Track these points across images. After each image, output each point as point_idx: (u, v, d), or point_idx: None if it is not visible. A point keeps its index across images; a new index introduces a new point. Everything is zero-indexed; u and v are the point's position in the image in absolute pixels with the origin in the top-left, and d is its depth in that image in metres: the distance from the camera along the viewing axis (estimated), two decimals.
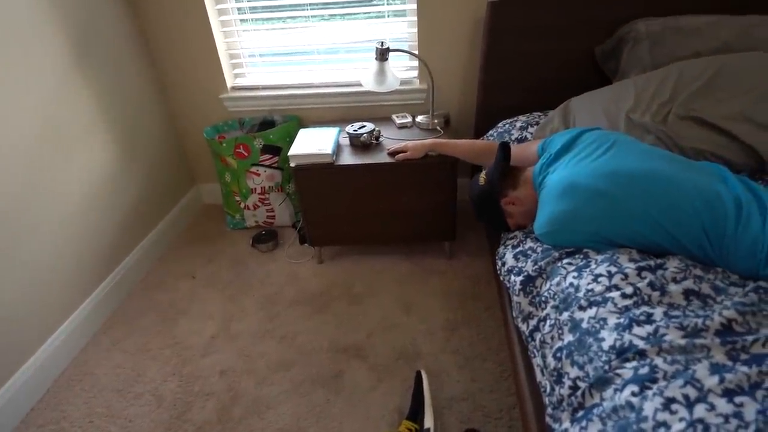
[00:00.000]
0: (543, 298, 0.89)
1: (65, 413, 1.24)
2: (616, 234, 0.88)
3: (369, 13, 1.78)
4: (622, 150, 0.95)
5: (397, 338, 1.39)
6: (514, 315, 0.99)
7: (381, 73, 1.56)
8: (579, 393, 0.69)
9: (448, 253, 1.72)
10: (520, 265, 0.99)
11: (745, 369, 0.57)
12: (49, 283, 1.35)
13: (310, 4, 1.75)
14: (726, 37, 1.27)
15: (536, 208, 1.02)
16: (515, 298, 0.97)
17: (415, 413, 1.11)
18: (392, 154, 1.51)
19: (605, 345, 0.69)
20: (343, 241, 1.72)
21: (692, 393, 0.56)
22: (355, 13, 1.79)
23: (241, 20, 1.83)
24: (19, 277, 1.25)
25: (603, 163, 0.93)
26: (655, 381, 0.60)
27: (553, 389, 0.76)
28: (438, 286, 1.59)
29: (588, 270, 0.84)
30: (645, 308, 0.71)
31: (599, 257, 0.86)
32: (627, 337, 0.67)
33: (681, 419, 0.54)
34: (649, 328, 0.67)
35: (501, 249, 1.11)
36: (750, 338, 0.61)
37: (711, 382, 0.57)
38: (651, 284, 0.75)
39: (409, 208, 1.58)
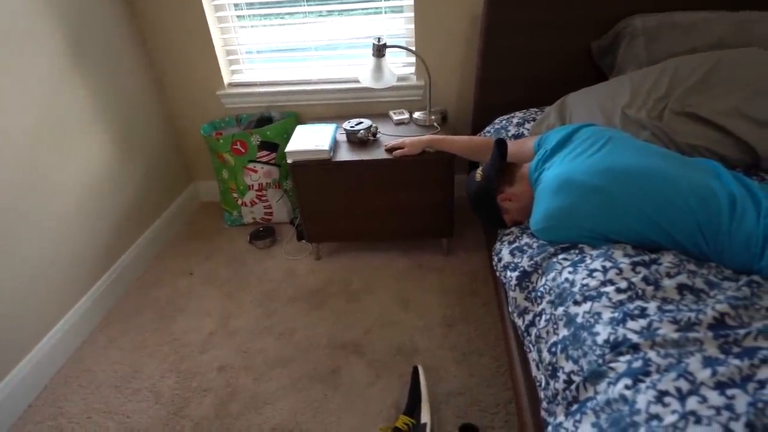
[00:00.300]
0: (539, 294, 0.89)
1: (63, 409, 1.24)
2: (612, 230, 0.88)
3: (366, 9, 1.77)
4: (617, 146, 0.95)
5: (395, 334, 1.40)
6: (510, 310, 0.99)
7: (378, 70, 1.55)
8: (573, 387, 0.69)
9: (445, 249, 1.73)
10: (516, 260, 1.00)
11: (737, 362, 0.57)
12: (46, 280, 1.35)
13: (307, 1, 1.74)
14: (721, 33, 1.28)
15: (532, 204, 1.02)
16: (511, 294, 0.97)
17: (412, 408, 1.12)
18: (389, 150, 1.51)
19: (599, 339, 0.69)
20: (341, 237, 1.72)
21: (685, 386, 0.57)
22: (352, 10, 1.78)
23: (238, 16, 1.82)
24: (16, 274, 1.25)
25: (598, 160, 0.93)
26: (648, 374, 0.60)
27: (548, 383, 0.77)
28: (435, 283, 1.60)
29: (583, 265, 0.84)
30: (639, 302, 0.72)
31: (594, 252, 0.86)
32: (621, 331, 0.68)
33: (673, 411, 0.55)
34: (642, 322, 0.68)
35: (497, 245, 1.11)
36: (742, 332, 0.62)
37: (703, 375, 0.57)
38: (645, 279, 0.75)
39: (407, 204, 1.58)
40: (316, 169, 1.52)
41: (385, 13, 1.78)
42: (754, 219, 0.77)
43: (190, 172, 2.17)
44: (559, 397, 0.72)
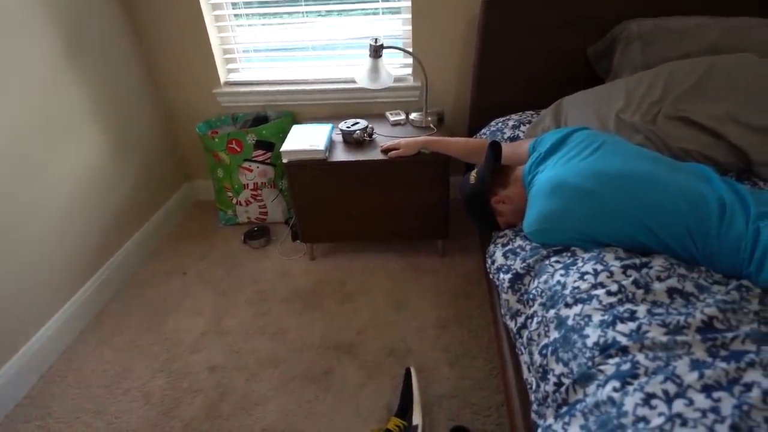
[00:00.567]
0: (531, 296, 0.89)
1: (51, 409, 1.23)
2: (603, 233, 0.89)
3: (364, 9, 1.78)
4: (609, 150, 0.96)
5: (388, 335, 1.40)
6: (502, 312, 0.99)
7: (375, 70, 1.55)
8: (563, 389, 0.69)
9: (440, 251, 1.73)
10: (509, 263, 1.00)
11: (723, 365, 0.58)
12: (37, 277, 1.34)
13: (305, 1, 1.74)
14: (716, 39, 1.28)
15: (526, 206, 1.03)
16: (504, 296, 0.97)
17: (404, 410, 1.11)
18: (385, 151, 1.51)
19: (589, 342, 0.69)
20: (336, 237, 1.72)
21: (672, 388, 0.57)
22: (350, 10, 1.78)
23: (235, 15, 1.82)
24: (7, 270, 1.24)
25: (591, 163, 0.94)
26: (636, 377, 0.61)
27: (538, 386, 0.77)
28: (430, 284, 1.60)
29: (575, 268, 0.84)
30: (629, 306, 0.72)
31: (586, 255, 0.86)
32: (610, 333, 0.68)
33: (660, 414, 0.55)
34: (632, 325, 0.68)
35: (491, 247, 1.11)
36: (730, 335, 0.62)
37: (690, 377, 0.57)
38: (635, 282, 0.75)
39: (402, 205, 1.58)
40: (312, 169, 1.52)
41: (383, 14, 1.78)
42: (743, 224, 0.78)
43: (185, 170, 2.16)
44: (549, 400, 0.72)
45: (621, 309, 0.71)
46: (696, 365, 0.59)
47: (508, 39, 1.53)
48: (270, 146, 1.80)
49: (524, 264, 0.95)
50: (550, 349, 0.76)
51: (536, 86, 1.58)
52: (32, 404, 1.25)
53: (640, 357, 0.63)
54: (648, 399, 0.57)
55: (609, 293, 0.75)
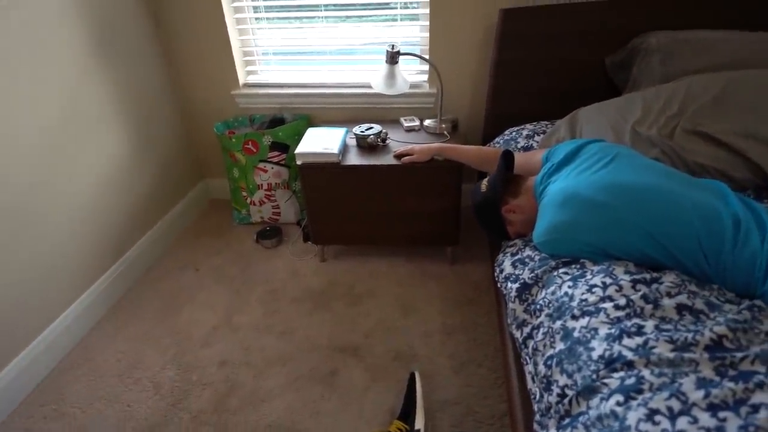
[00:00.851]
0: (538, 306, 0.89)
1: (65, 395, 1.27)
2: (614, 246, 0.88)
3: (382, 16, 1.80)
4: (623, 163, 0.95)
5: (395, 339, 1.40)
6: (509, 322, 0.99)
7: (391, 76, 1.57)
8: (566, 401, 0.69)
9: (450, 257, 1.73)
10: (517, 272, 1.00)
11: (731, 385, 0.57)
12: (57, 267, 1.39)
13: (325, 5, 1.78)
14: (736, 54, 1.27)
15: (536, 217, 1.03)
16: (510, 305, 0.97)
17: (407, 414, 1.12)
18: (398, 156, 1.53)
19: (594, 354, 0.69)
20: (346, 240, 1.74)
21: (676, 405, 0.57)
22: (368, 16, 1.81)
23: (256, 18, 1.87)
24: (28, 259, 1.29)
25: (603, 176, 0.93)
26: (640, 392, 0.60)
27: (542, 396, 0.77)
28: (438, 290, 1.60)
29: (583, 280, 0.84)
30: (637, 320, 0.71)
31: (595, 268, 0.86)
32: (616, 347, 0.68)
33: (663, 430, 0.55)
34: (639, 340, 0.67)
35: (500, 256, 1.11)
36: (739, 355, 0.62)
37: (696, 395, 0.57)
38: (644, 297, 0.75)
39: (413, 211, 1.59)
40: (325, 172, 1.54)
41: (401, 20, 1.80)
42: (758, 242, 0.77)
43: (201, 169, 2.21)
44: (551, 411, 0.72)
45: (628, 323, 0.71)
46: (702, 383, 0.58)
47: (525, 48, 1.53)
48: (285, 148, 1.83)
49: (532, 274, 0.95)
50: (555, 360, 0.76)
51: (552, 96, 1.58)
52: (48, 389, 1.29)
53: (646, 372, 0.62)
54: (651, 415, 0.57)
55: (617, 307, 0.75)
